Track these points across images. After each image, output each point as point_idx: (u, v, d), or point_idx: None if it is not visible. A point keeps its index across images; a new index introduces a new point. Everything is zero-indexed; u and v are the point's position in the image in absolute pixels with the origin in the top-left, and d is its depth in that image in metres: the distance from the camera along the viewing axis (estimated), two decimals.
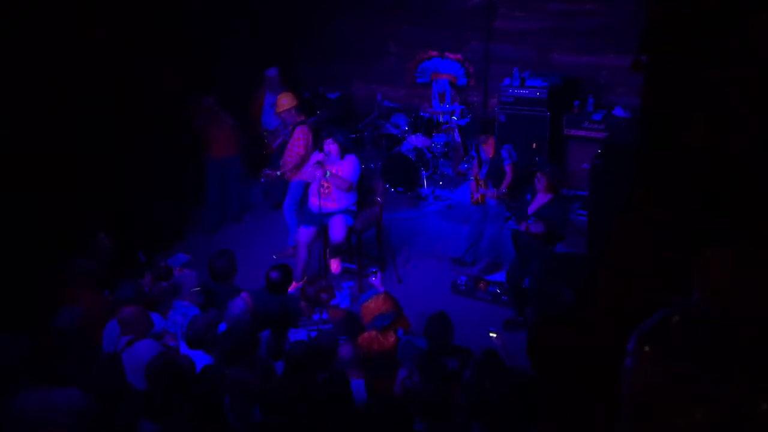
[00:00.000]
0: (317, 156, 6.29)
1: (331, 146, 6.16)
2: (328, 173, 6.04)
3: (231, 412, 3.69)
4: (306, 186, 6.66)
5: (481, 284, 6.28)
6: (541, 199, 5.63)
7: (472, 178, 6.64)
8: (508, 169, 6.36)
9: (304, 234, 6.30)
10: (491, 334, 4.42)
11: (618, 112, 7.55)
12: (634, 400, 1.39)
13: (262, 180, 7.01)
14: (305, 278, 5.68)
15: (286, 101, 6.85)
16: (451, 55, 8.54)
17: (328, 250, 6.36)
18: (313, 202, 6.26)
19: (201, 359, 4.21)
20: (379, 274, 5.43)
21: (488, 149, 6.53)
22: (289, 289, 5.43)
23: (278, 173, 6.80)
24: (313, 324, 4.81)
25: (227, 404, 3.70)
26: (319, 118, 8.29)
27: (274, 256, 6.79)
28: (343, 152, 6.25)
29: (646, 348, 1.39)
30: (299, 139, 6.80)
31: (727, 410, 1.27)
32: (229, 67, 7.93)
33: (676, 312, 1.43)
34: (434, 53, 8.59)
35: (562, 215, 5.67)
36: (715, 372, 1.30)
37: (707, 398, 1.28)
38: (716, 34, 1.72)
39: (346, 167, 6.20)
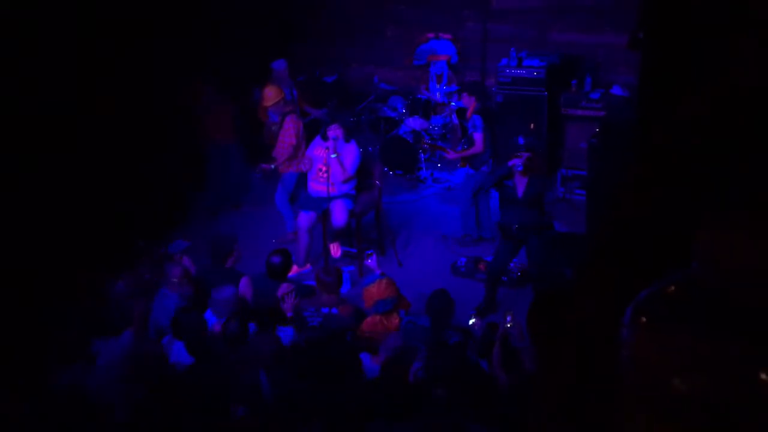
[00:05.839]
0: (318, 143, 6.28)
1: (337, 131, 6.13)
2: (336, 154, 6.04)
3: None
4: (301, 176, 6.64)
5: (481, 265, 6.29)
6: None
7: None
8: (476, 137, 6.28)
9: (305, 219, 6.30)
10: (471, 320, 4.57)
11: (616, 90, 7.49)
12: (633, 371, 1.40)
13: (258, 175, 6.97)
14: (322, 266, 5.59)
15: (272, 94, 6.72)
16: (444, 35, 8.49)
17: (327, 235, 6.37)
18: (314, 187, 6.25)
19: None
20: (374, 256, 5.37)
21: (469, 111, 6.53)
22: (290, 274, 5.45)
23: (272, 166, 6.74)
24: (320, 316, 4.80)
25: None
26: (330, 108, 8.19)
27: (274, 241, 6.80)
28: (348, 136, 6.24)
29: (643, 318, 1.40)
30: (289, 129, 6.69)
31: (728, 374, 1.28)
32: (228, 52, 7.87)
33: (672, 282, 1.43)
34: (431, 35, 8.53)
35: (542, 187, 5.61)
36: (713, 337, 1.31)
37: (707, 361, 1.29)
38: (715, 9, 1.71)
39: (349, 155, 6.19)
